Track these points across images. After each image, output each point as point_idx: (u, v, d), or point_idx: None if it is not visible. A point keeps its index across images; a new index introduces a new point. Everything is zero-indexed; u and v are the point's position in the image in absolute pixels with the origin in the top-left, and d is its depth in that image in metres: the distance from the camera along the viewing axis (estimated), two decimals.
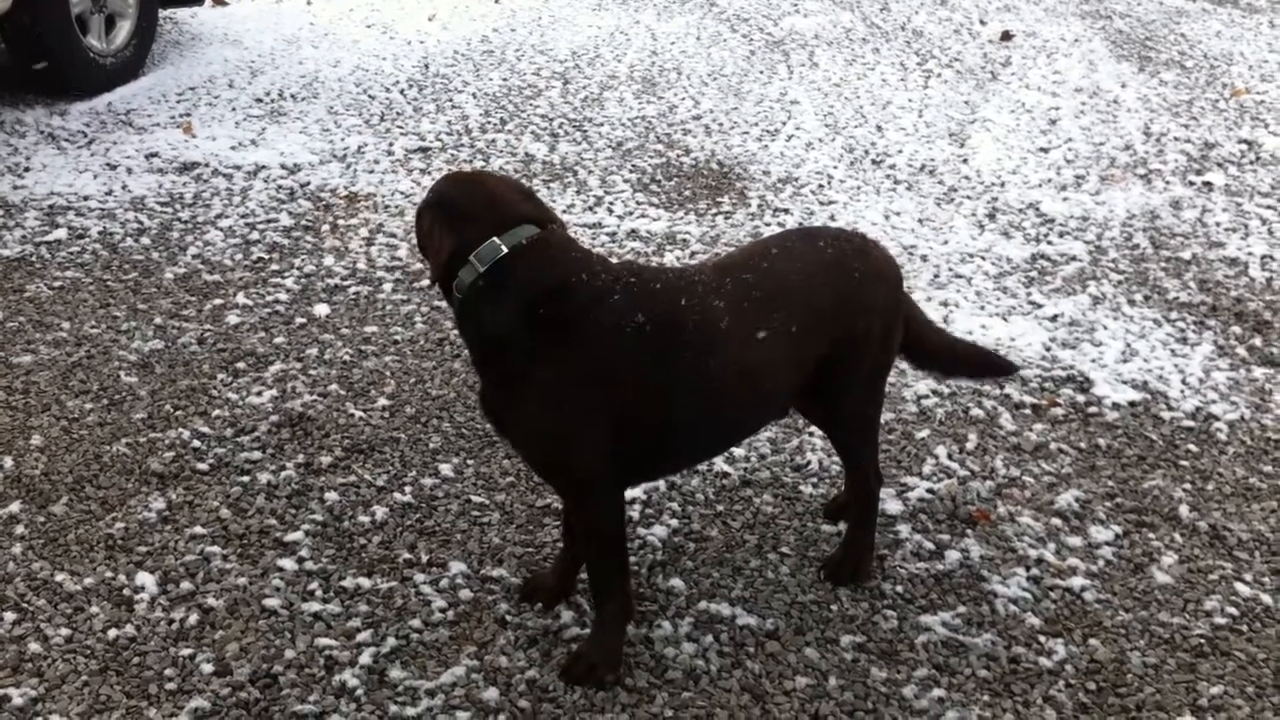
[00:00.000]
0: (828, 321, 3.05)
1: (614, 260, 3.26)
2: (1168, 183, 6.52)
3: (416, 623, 3.26)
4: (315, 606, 3.31)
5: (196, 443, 3.98)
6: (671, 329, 2.84)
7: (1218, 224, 6.04)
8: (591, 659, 3.05)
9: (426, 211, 2.92)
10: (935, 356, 3.50)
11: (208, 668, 3.09)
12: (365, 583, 3.40)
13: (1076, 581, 3.51)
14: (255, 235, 5.49)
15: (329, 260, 5.27)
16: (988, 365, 3.62)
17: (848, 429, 3.34)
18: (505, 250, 2.81)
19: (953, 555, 3.59)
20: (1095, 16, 9.82)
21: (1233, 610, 3.43)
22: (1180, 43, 9.16)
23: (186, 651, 3.13)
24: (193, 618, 3.25)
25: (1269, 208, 6.22)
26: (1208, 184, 6.52)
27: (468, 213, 2.85)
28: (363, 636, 3.21)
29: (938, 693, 3.10)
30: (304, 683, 3.06)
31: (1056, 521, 3.77)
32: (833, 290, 3.07)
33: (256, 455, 3.93)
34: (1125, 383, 4.56)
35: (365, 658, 3.13)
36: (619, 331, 2.80)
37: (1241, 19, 9.92)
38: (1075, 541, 3.68)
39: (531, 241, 2.85)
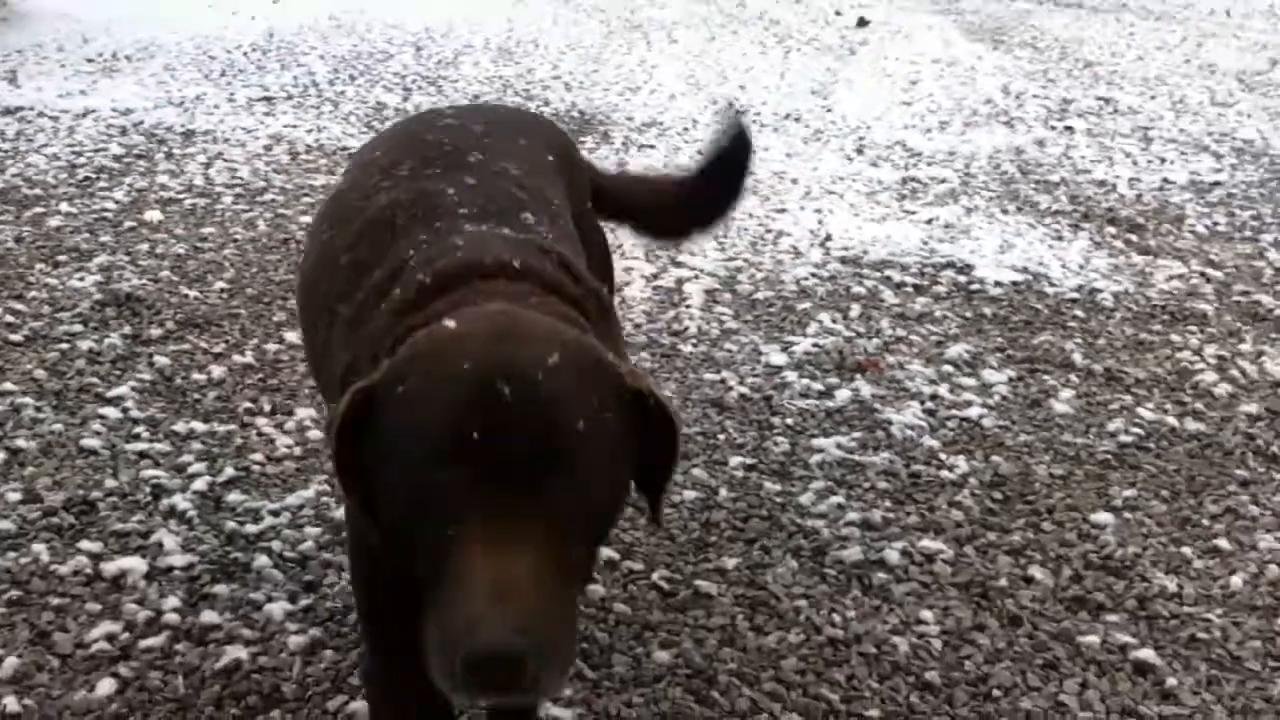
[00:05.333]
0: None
1: None
2: (1030, 127, 6.49)
3: (259, 456, 2.92)
4: (141, 446, 2.94)
5: (9, 318, 3.58)
6: None
7: (1083, 156, 6.00)
8: None
9: None
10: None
11: (15, 496, 2.70)
12: (200, 427, 3.04)
13: (973, 411, 3.31)
14: (82, 160, 5.08)
15: (163, 179, 4.90)
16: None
17: None
18: None
19: (843, 394, 3.36)
20: (946, 12, 9.92)
21: (1138, 430, 3.25)
22: (1031, 30, 9.27)
23: None
24: None
25: (1131, 146, 6.20)
26: (1069, 128, 6.50)
27: None
28: (196, 468, 2.85)
29: (836, 499, 2.85)
30: (127, 508, 2.69)
31: (948, 368, 3.57)
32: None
33: (78, 328, 3.55)
34: (1006, 267, 4.41)
35: (199, 485, 2.78)
36: None
37: (1087, 16, 10.11)
38: (969, 382, 3.49)
39: None
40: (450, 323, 1.57)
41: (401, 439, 1.48)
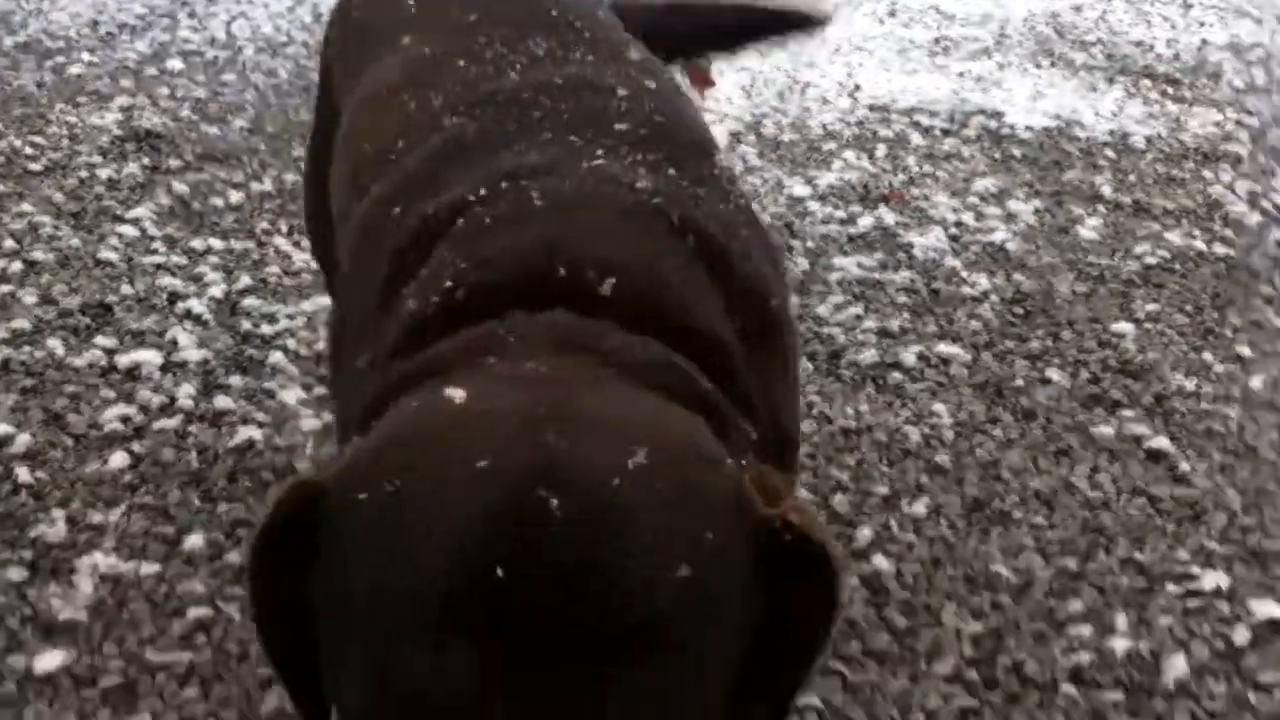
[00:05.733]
0: None
1: None
2: None
3: (275, 269, 2.92)
4: (158, 259, 2.95)
5: (29, 150, 3.58)
6: None
7: (1120, 20, 5.86)
8: None
9: None
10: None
11: (30, 300, 2.72)
12: (217, 244, 3.04)
13: (997, 236, 3.27)
14: (105, 18, 5.05)
15: (185, 33, 4.87)
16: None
17: None
18: None
19: (866, 220, 3.33)
20: None
21: (1164, 253, 3.21)
22: None
23: (5, 289, 2.75)
24: (15, 267, 2.86)
25: (1170, 10, 6.06)
26: None
27: None
28: (212, 278, 2.86)
29: (854, 310, 2.83)
30: (143, 311, 2.70)
31: (974, 200, 3.52)
32: None
33: (97, 159, 3.54)
34: (1037, 114, 4.33)
35: (215, 292, 2.79)
36: None
37: None
38: (994, 211, 3.44)
39: None
40: (456, 391, 0.93)
41: (363, 585, 0.86)
